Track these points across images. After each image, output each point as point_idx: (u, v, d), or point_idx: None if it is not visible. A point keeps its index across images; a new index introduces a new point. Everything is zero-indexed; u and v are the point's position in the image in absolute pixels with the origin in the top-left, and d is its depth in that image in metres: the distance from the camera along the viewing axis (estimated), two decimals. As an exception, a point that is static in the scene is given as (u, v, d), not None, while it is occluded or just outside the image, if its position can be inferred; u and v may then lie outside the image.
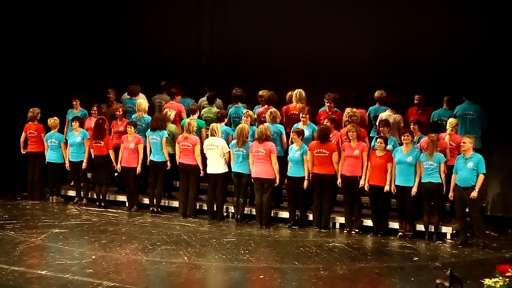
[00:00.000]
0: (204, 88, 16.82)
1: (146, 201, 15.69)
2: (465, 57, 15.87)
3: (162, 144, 15.20)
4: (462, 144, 13.36)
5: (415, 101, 15.40)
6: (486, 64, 15.67)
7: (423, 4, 16.52)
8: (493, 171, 14.82)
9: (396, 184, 13.78)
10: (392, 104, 15.15)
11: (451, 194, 13.44)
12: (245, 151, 14.60)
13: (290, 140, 14.79)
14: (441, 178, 13.53)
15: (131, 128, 15.47)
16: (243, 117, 15.17)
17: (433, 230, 13.69)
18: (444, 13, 16.21)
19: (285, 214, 14.84)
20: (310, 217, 14.57)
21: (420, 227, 13.91)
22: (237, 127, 14.79)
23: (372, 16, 16.94)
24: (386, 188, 13.81)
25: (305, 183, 14.30)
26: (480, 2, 15.84)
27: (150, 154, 15.38)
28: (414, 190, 13.66)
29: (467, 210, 13.38)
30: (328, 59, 17.16)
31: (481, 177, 13.17)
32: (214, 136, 14.79)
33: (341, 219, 14.51)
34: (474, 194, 13.10)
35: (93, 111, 16.36)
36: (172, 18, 18.80)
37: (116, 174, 16.08)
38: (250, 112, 15.32)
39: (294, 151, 14.36)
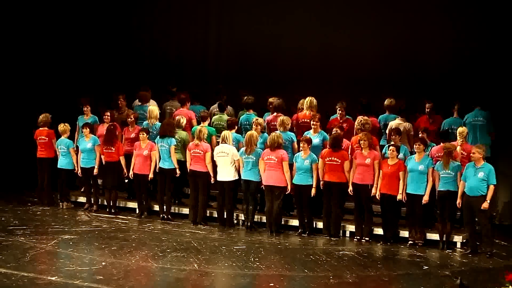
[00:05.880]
0: (215, 91, 16.77)
1: (156, 208, 15.71)
2: (473, 62, 15.93)
3: (170, 152, 15.22)
4: (471, 154, 13.34)
5: (426, 110, 15.39)
6: (493, 70, 15.68)
7: (431, 10, 16.59)
8: (501, 179, 14.75)
9: (406, 192, 13.77)
10: (401, 112, 15.13)
11: (459, 201, 13.41)
12: (254, 158, 14.60)
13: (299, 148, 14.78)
14: (458, 187, 13.51)
15: (143, 134, 15.46)
16: (253, 125, 15.18)
17: (444, 239, 13.67)
18: (452, 18, 16.26)
19: (295, 222, 14.81)
20: (320, 225, 14.58)
21: (430, 236, 13.90)
22: (246, 134, 14.80)
23: (380, 22, 17.01)
24: (399, 197, 13.79)
25: (313, 191, 14.31)
26: (488, 7, 15.83)
27: (159, 161, 15.39)
28: (425, 199, 13.63)
29: (476, 219, 13.36)
30: (334, 64, 17.22)
31: (492, 188, 13.14)
32: (225, 143, 14.81)
33: (351, 227, 14.49)
34: (485, 205, 13.05)
35: (106, 116, 16.28)
36: (180, 23, 18.90)
37: (126, 180, 16.09)
38: (260, 119, 15.32)
39: (302, 159, 14.34)
